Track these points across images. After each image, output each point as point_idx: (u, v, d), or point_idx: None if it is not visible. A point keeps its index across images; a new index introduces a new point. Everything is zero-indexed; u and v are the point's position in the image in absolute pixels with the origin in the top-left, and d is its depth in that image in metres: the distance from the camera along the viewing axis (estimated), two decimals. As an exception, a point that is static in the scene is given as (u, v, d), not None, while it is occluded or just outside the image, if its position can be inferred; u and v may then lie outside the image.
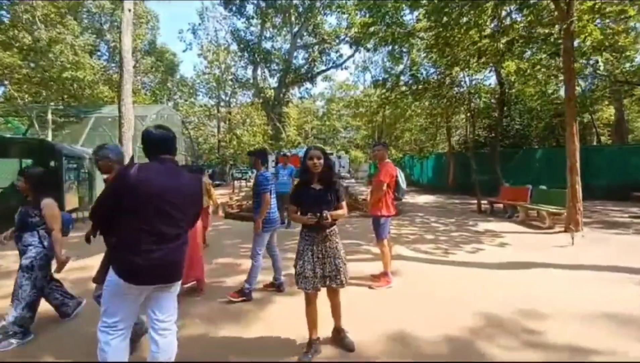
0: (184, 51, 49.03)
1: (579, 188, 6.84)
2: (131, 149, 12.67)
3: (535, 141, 16.84)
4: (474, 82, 11.78)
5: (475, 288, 3.95)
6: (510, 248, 5.84)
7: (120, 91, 12.67)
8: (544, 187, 9.38)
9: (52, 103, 16.07)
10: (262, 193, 3.73)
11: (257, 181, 3.84)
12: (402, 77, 18.51)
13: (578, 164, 6.85)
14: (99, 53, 29.22)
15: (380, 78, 19.62)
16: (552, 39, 8.06)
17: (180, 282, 2.04)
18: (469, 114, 13.25)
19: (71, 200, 7.80)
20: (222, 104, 36.67)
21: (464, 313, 3.25)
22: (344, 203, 2.70)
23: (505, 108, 12.79)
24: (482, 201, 10.89)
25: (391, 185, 4.05)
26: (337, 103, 43.83)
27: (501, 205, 10.46)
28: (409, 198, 15.72)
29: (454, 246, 5.98)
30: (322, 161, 2.56)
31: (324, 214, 2.43)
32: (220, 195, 11.80)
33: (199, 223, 3.75)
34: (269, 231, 3.84)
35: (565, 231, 6.98)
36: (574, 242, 5.90)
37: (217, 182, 26.06)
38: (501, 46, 8.85)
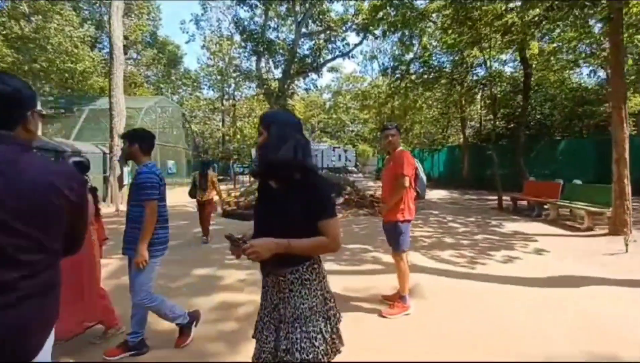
0: (186, 43, 48.31)
1: (627, 182, 5.77)
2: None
3: (557, 132, 15.57)
4: (494, 67, 10.62)
5: (518, 315, 2.99)
6: (549, 256, 4.84)
7: (110, 80, 11.89)
8: (578, 181, 8.29)
9: (40, 95, 15.36)
10: (145, 201, 2.32)
11: (137, 182, 2.37)
12: (412, 66, 17.37)
13: (627, 155, 5.77)
14: (99, 46, 28.61)
15: (390, 66, 18.50)
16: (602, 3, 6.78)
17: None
18: (488, 101, 12.14)
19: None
20: (226, 97, 35.92)
21: (509, 356, 2.31)
22: (331, 224, 1.33)
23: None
24: (504, 197, 9.82)
25: (412, 180, 3.10)
26: (344, 96, 42.75)
27: (525, 202, 9.41)
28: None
29: (481, 253, 5.00)
30: (266, 133, 1.37)
31: (241, 243, 1.32)
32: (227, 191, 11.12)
33: (93, 244, 2.79)
34: (159, 258, 2.46)
35: (609, 233, 5.94)
36: (628, 249, 4.87)
37: (220, 177, 25.40)
38: (529, 19, 7.72)
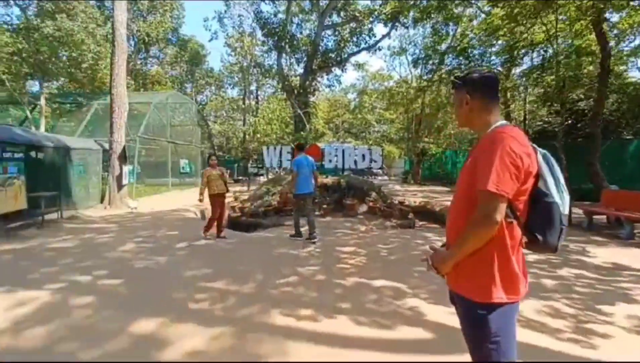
0: (209, 41, 47.85)
1: None
2: (123, 138, 10.89)
3: (628, 131, 13.04)
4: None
5: None
6: None
7: (111, 70, 10.88)
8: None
9: (45, 88, 14.77)
10: None
11: None
12: (447, 57, 15.36)
13: None
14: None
15: (421, 57, 16.51)
16: None
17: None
18: (541, 91, 10.03)
19: (10, 201, 5.87)
20: (249, 96, 35.14)
21: None
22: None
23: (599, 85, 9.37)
24: (574, 210, 7.73)
25: (522, 203, 1.36)
26: (369, 95, 40.97)
27: (604, 217, 7.32)
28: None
29: (588, 310, 3.14)
30: None
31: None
32: (236, 194, 9.61)
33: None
34: None
35: None
36: None
37: (239, 177, 24.37)
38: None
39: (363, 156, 10.08)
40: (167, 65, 31.35)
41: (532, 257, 4.99)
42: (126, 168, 10.39)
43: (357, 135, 43.82)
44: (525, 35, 8.57)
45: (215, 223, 6.29)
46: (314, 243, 5.60)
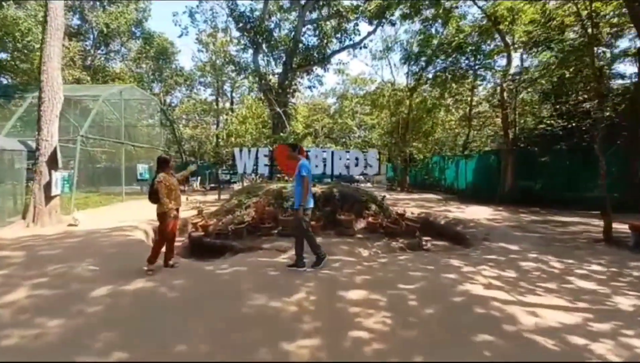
0: (179, 37, 44.65)
1: None
2: (55, 136, 8.66)
3: None
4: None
5: None
6: None
7: (41, 50, 8.66)
8: None
9: None
10: None
11: None
12: (441, 53, 14.15)
13: None
14: (81, 37, 25.56)
15: (411, 53, 15.22)
16: None
17: None
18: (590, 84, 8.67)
19: None
20: (223, 97, 32.85)
21: None
22: None
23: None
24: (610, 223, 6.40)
25: None
26: (350, 100, 39.89)
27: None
28: (454, 210, 11.32)
29: None
30: None
31: None
32: (197, 204, 7.51)
33: None
34: None
35: None
36: None
37: (212, 185, 22.15)
38: None
39: (357, 160, 8.41)
40: (131, 61, 28.59)
41: (588, 287, 3.44)
42: (57, 174, 8.15)
43: (336, 140, 42.50)
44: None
45: (165, 247, 4.44)
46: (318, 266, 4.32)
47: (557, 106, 12.57)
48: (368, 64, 61.83)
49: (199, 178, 22.95)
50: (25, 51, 19.47)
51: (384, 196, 7.58)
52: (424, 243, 6.90)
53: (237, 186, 16.14)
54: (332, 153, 8.55)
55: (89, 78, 22.36)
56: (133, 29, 25.88)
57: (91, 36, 26.13)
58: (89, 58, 25.45)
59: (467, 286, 3.84)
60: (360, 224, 6.78)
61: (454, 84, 15.47)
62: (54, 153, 8.16)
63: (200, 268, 4.66)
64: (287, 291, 3.63)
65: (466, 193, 16.87)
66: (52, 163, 8.11)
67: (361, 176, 17.96)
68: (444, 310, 3.22)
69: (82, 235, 6.68)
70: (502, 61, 15.41)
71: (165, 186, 4.27)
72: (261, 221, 6.48)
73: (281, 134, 12.98)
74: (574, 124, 11.88)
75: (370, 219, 6.74)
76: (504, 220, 9.39)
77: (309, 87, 24.16)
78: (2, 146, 7.33)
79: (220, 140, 27.23)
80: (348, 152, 8.57)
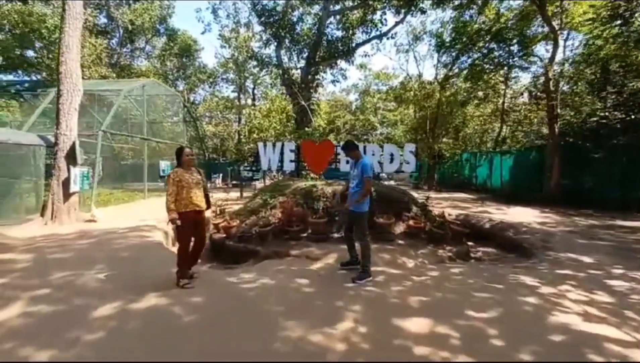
0: (202, 33, 44.75)
1: None
2: (74, 130, 8.33)
3: None
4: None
5: None
6: None
7: (60, 41, 8.34)
8: None
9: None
10: None
11: None
12: (480, 40, 12.96)
13: None
14: (108, 36, 25.85)
15: (447, 41, 14.08)
16: None
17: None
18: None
19: None
20: (245, 93, 32.60)
21: None
22: None
23: None
24: None
25: None
26: (372, 96, 38.80)
27: None
28: (494, 211, 10.27)
29: None
30: None
31: None
32: (219, 202, 6.96)
33: None
34: None
35: None
36: None
37: (234, 182, 21.87)
38: None
39: (391, 156, 7.57)
40: (156, 59, 28.72)
41: None
42: (76, 170, 7.80)
43: (359, 137, 41.47)
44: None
45: (192, 253, 3.88)
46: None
47: (614, 96, 11.18)
48: (392, 58, 60.04)
49: (221, 175, 22.72)
50: (52, 48, 19.74)
51: (428, 197, 6.70)
52: (472, 250, 6.00)
53: (259, 184, 15.62)
54: (364, 147, 7.75)
55: (114, 75, 22.53)
56: (157, 25, 25.87)
57: (117, 34, 26.42)
58: (115, 56, 25.72)
59: (559, 317, 2.98)
60: (399, 228, 5.96)
61: (485, 76, 14.22)
62: (73, 147, 7.80)
63: (222, 279, 4.01)
64: (328, 317, 2.90)
65: (502, 192, 15.59)
66: (71, 159, 7.75)
67: (384, 174, 17.03)
68: (545, 355, 2.39)
69: (97, 235, 6.24)
70: (539, 50, 14.06)
71: (174, 181, 3.62)
72: (289, 223, 5.80)
73: (306, 129, 12.29)
74: (633, 117, 10.53)
75: (411, 222, 5.91)
76: (557, 224, 8.28)
77: (333, 81, 23.36)
78: (19, 140, 7.01)
79: (242, 136, 26.97)
80: (382, 147, 7.71)
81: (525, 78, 16.47)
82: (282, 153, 7.85)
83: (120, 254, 4.92)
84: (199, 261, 4.31)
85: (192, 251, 3.85)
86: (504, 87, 16.60)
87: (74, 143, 7.81)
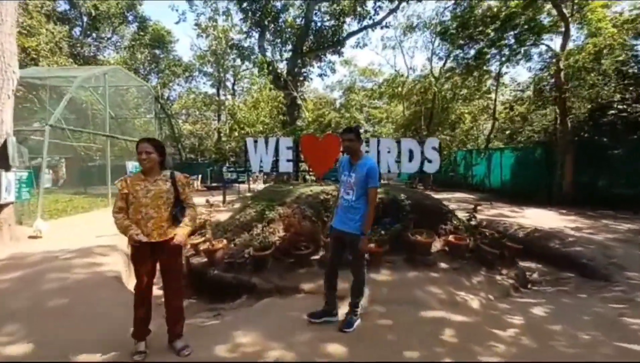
0: (176, 23, 42.05)
1: None
2: (6, 126, 6.52)
3: None
4: None
5: None
6: None
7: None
8: None
9: None
10: None
11: None
12: (487, 27, 11.90)
13: None
14: (70, 24, 23.27)
15: (448, 27, 12.97)
16: None
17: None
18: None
19: None
20: (224, 88, 30.55)
21: None
22: None
23: None
24: None
25: None
26: (357, 93, 37.80)
27: None
28: (509, 213, 9.21)
29: None
30: None
31: None
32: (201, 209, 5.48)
33: None
34: None
35: None
36: None
37: (214, 184, 20.02)
38: None
39: (410, 152, 6.24)
40: (125, 50, 26.24)
41: None
42: (9, 176, 6.01)
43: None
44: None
45: (167, 313, 2.43)
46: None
47: (632, 88, 10.41)
48: (379, 53, 58.94)
49: (200, 176, 20.84)
50: None
51: (476, 206, 5.43)
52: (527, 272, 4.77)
53: (243, 186, 14.01)
54: (378, 140, 6.40)
55: (76, 67, 20.15)
56: (125, 12, 23.52)
57: (80, 23, 23.87)
58: (78, 45, 23.19)
59: None
60: (436, 244, 4.64)
61: (490, 66, 13.27)
62: (5, 146, 6.01)
63: (203, 344, 2.51)
64: None
65: (502, 191, 14.74)
66: (2, 160, 5.97)
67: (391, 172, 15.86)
68: None
69: (31, 263, 4.56)
70: (546, 42, 13.21)
71: (122, 195, 2.18)
72: (295, 243, 4.35)
73: (298, 123, 10.85)
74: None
75: (450, 238, 4.60)
76: (593, 229, 7.24)
77: (321, 75, 22.02)
78: None
79: (222, 134, 25.07)
80: (398, 142, 6.36)
81: (528, 71, 15.63)
82: (276, 150, 6.37)
83: (52, 300, 3.31)
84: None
85: (166, 309, 2.36)
86: (502, 81, 15.75)
87: (5, 141, 6.01)
